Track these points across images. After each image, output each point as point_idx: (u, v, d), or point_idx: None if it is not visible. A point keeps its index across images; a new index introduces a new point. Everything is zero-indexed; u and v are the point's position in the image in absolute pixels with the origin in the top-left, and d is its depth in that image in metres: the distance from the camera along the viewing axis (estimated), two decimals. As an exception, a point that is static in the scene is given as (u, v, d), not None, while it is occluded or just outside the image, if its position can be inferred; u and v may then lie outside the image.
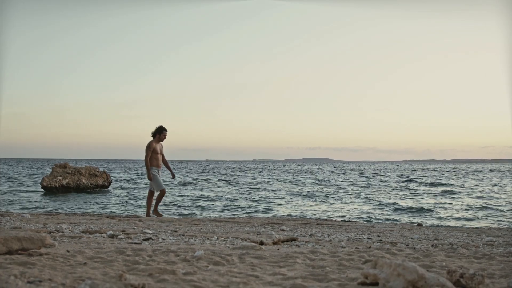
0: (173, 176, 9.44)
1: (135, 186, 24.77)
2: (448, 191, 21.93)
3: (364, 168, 72.92)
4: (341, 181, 32.12)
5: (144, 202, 16.12)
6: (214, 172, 49.09)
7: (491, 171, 57.07)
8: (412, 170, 58.24)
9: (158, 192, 9.08)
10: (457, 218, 12.31)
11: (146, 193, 20.15)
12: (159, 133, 9.14)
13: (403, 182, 30.35)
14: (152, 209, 9.19)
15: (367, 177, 38.40)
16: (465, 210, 14.39)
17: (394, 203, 16.21)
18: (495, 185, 27.39)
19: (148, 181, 9.32)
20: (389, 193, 20.86)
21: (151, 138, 9.12)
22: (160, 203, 9.51)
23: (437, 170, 59.40)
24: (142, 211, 13.38)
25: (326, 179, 34.86)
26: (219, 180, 32.69)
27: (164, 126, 9.20)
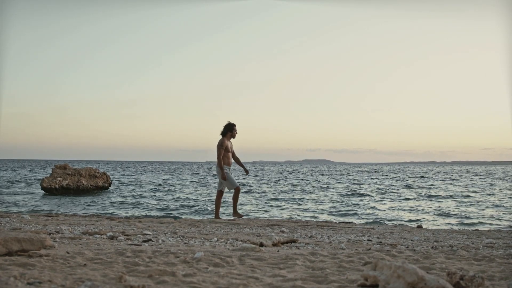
0: (247, 172, 9.03)
1: (135, 187, 24.78)
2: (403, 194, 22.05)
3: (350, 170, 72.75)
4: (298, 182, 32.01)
5: (141, 203, 16.12)
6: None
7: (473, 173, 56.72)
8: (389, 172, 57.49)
9: (233, 191, 8.81)
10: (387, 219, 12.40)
11: (145, 195, 20.24)
12: (230, 130, 8.76)
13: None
14: (222, 210, 9.06)
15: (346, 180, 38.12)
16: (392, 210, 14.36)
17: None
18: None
19: (218, 181, 8.89)
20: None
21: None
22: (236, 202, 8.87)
23: (421, 173, 58.73)
24: (141, 213, 13.37)
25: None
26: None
27: (232, 122, 8.77)
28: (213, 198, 17.08)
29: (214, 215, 9.13)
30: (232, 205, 9.19)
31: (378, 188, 25.56)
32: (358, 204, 16.16)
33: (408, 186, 26.66)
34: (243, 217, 9.13)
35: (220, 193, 8.92)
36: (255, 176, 42.57)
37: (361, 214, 13.40)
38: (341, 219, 11.74)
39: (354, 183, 30.01)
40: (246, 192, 20.91)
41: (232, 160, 9.02)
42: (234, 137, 8.85)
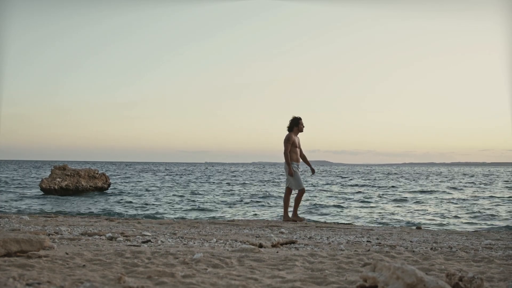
0: (313, 172, 8.78)
1: (135, 188, 24.76)
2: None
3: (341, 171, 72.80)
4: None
5: (140, 204, 16.11)
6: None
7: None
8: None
9: (297, 191, 8.50)
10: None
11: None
12: (296, 124, 8.45)
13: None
14: (287, 211, 8.52)
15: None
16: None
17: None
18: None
19: (286, 178, 8.54)
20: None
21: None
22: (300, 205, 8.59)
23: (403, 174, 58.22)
24: (141, 214, 13.35)
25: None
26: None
27: (297, 115, 8.46)
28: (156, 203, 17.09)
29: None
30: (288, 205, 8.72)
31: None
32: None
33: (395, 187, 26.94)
34: (304, 221, 8.66)
35: (288, 191, 8.58)
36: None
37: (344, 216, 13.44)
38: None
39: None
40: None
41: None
42: (301, 131, 8.54)
